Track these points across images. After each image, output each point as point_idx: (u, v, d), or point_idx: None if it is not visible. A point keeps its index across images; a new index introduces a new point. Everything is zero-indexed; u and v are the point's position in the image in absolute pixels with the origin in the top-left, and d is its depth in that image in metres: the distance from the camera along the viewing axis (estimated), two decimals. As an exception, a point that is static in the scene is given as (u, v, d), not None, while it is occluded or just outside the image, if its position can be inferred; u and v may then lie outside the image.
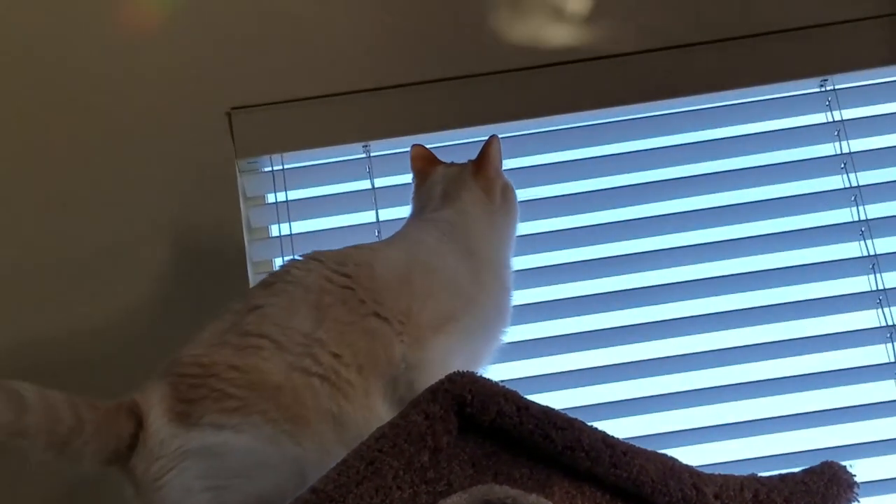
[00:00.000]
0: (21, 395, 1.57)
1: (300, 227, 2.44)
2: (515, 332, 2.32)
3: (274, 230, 2.46)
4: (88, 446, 1.61)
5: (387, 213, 2.43)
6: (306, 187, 2.48)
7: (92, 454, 1.62)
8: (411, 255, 1.89)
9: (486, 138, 2.09)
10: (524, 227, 2.30)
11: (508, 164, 2.17)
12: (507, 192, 2.09)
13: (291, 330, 1.72)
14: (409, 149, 2.33)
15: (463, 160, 2.15)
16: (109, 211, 2.37)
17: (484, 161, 2.07)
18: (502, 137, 2.17)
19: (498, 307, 1.94)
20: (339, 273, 1.80)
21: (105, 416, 1.63)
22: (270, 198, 2.48)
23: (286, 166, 2.45)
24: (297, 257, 1.88)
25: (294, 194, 2.45)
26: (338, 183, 2.49)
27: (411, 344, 1.76)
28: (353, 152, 2.46)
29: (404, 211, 2.35)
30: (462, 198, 2.04)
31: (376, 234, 2.41)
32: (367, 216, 2.44)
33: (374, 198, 2.43)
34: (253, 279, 2.34)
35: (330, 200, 2.48)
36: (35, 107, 2.44)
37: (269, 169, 2.46)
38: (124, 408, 1.64)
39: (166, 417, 1.63)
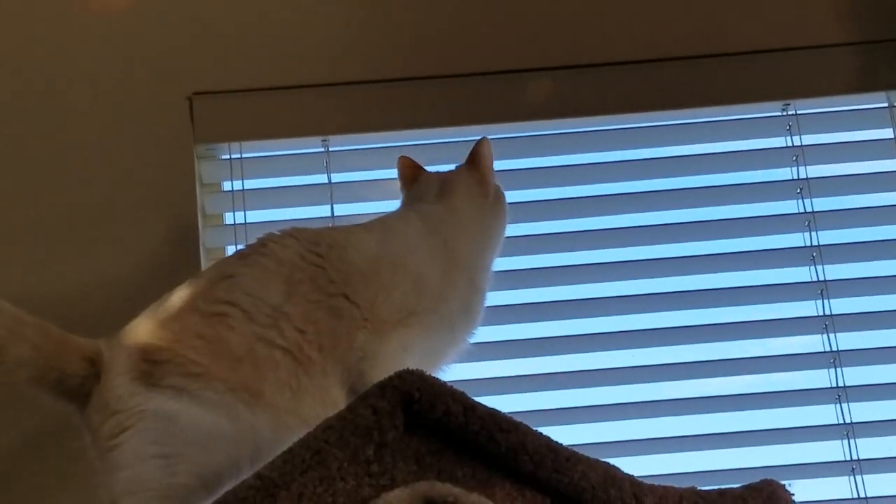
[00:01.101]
0: None
1: (255, 216, 2.43)
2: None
3: (228, 218, 2.45)
4: (22, 368, 1.62)
5: (342, 209, 2.43)
6: (263, 177, 2.47)
7: (27, 377, 1.62)
8: (385, 245, 1.88)
9: (475, 140, 2.10)
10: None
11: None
12: (500, 195, 2.11)
13: (261, 301, 1.71)
14: (367, 146, 2.36)
15: (423, 162, 2.17)
16: (68, 189, 2.36)
17: (477, 157, 2.08)
18: (459, 141, 2.18)
19: (466, 308, 1.94)
20: (313, 252, 1.80)
21: (54, 346, 1.64)
22: (227, 185, 2.46)
23: (244, 155, 2.44)
24: (274, 232, 1.86)
25: (251, 183, 2.44)
26: (295, 175, 2.49)
27: (371, 333, 1.76)
28: (311, 146, 2.46)
29: (360, 207, 2.38)
30: (457, 191, 2.05)
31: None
32: (323, 210, 2.44)
33: (330, 193, 2.43)
34: (205, 265, 2.32)
35: (286, 192, 2.48)
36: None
37: (227, 157, 2.45)
38: (82, 349, 1.65)
39: (129, 375, 1.63)
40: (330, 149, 2.44)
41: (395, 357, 1.74)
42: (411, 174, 2.15)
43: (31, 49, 2.43)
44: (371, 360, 1.74)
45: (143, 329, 1.69)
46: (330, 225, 2.39)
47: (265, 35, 2.44)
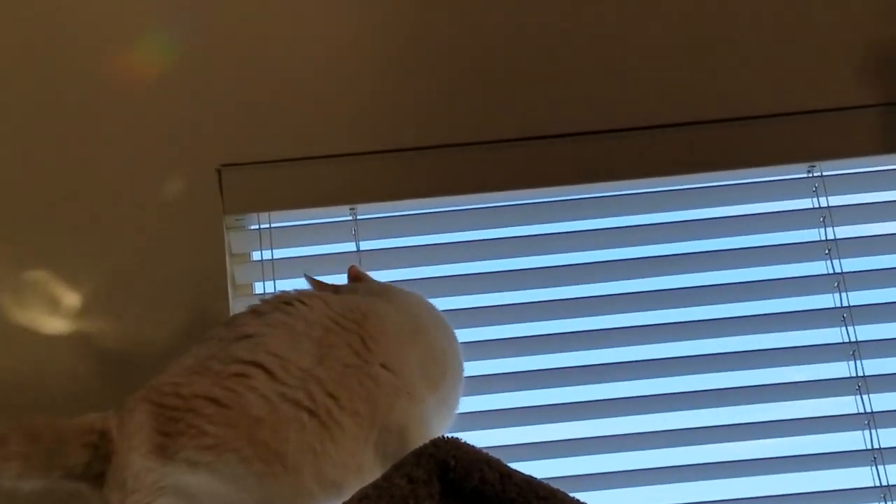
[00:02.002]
0: None
1: (284, 285, 2.42)
2: (499, 400, 2.34)
3: (258, 287, 2.45)
4: (23, 482, 1.60)
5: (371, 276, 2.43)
6: (292, 246, 2.48)
7: (31, 485, 1.60)
8: (414, 317, 1.92)
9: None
10: (505, 297, 2.38)
11: (494, 233, 2.19)
12: None
13: (288, 362, 1.69)
14: (395, 214, 2.38)
15: (451, 228, 2.27)
16: (98, 259, 2.37)
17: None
18: (490, 207, 2.24)
19: (461, 378, 1.99)
20: (348, 318, 1.80)
21: (45, 447, 1.60)
22: (256, 255, 2.47)
23: (273, 225, 2.45)
24: (288, 291, 1.87)
25: (280, 253, 2.45)
26: (323, 244, 2.49)
27: (409, 401, 1.76)
28: (339, 214, 2.47)
29: (388, 275, 2.37)
30: None
31: (360, 296, 2.40)
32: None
33: (358, 260, 2.43)
34: (234, 336, 2.33)
35: (315, 260, 2.47)
36: (23, 154, 2.44)
37: (256, 227, 2.46)
38: (81, 434, 1.61)
39: (143, 448, 1.59)
40: (358, 217, 2.45)
41: (427, 424, 1.75)
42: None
43: (58, 119, 2.45)
44: (408, 427, 1.73)
45: (152, 396, 1.66)
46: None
47: (292, 106, 2.46)
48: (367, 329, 1.80)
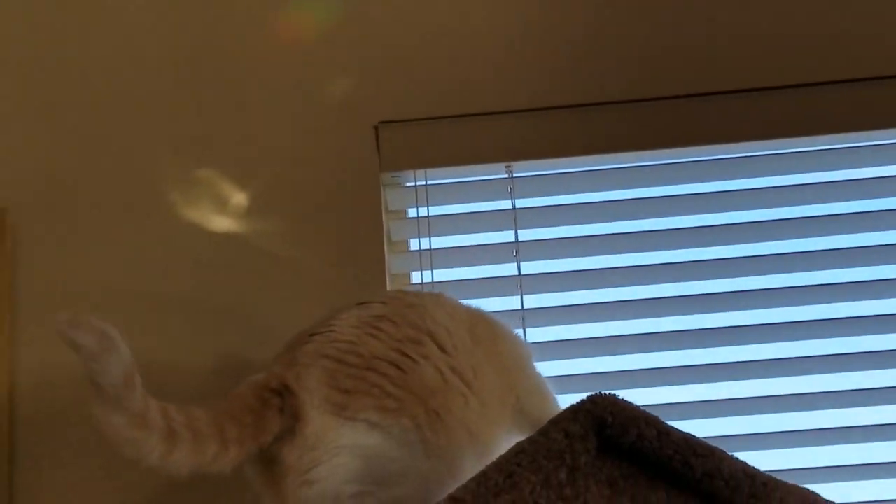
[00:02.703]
0: (173, 430, 1.54)
1: (439, 242, 2.45)
2: (656, 359, 2.33)
3: (413, 244, 2.48)
4: (230, 462, 1.58)
5: (526, 234, 2.44)
6: (447, 204, 2.49)
7: (232, 466, 1.59)
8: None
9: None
10: (663, 256, 2.36)
11: (652, 192, 2.21)
12: None
13: (454, 336, 1.72)
14: (551, 172, 2.39)
15: (605, 187, 2.26)
16: (256, 218, 2.41)
17: None
18: (648, 165, 2.27)
19: None
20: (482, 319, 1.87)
21: (251, 430, 1.58)
22: (412, 212, 2.49)
23: (429, 182, 2.47)
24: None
25: (435, 210, 2.46)
26: (479, 201, 2.50)
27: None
28: (495, 172, 2.47)
29: (544, 233, 2.38)
30: None
31: (514, 253, 2.42)
32: (507, 235, 2.44)
33: (514, 218, 2.44)
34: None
35: (470, 218, 2.49)
36: (182, 109, 2.50)
37: (412, 184, 2.48)
38: (272, 406, 1.59)
39: (322, 407, 1.59)
40: (514, 174, 2.45)
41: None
42: None
43: (218, 80, 2.50)
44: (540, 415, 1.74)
45: (330, 352, 1.66)
46: (514, 253, 2.42)
47: (449, 63, 2.47)
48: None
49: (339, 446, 1.59)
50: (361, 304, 1.78)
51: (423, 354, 1.68)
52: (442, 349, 1.70)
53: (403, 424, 1.61)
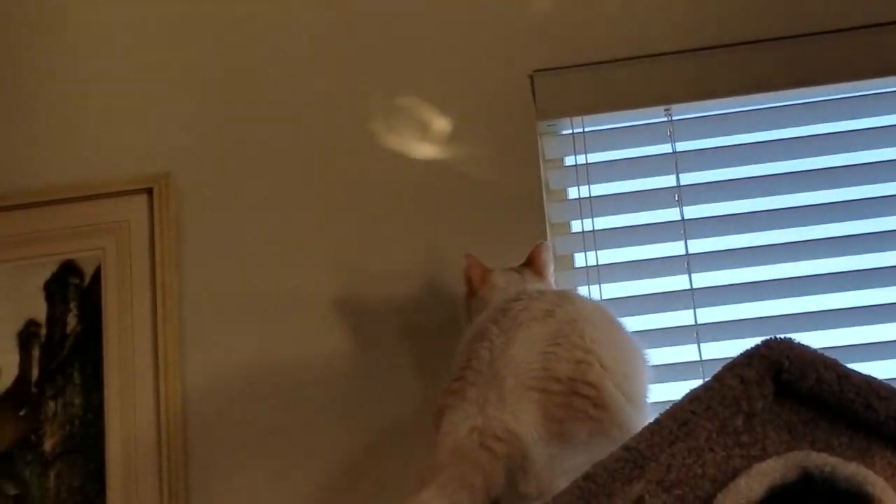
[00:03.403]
0: None
1: (598, 189, 2.43)
2: (826, 301, 2.28)
3: (572, 192, 2.45)
4: None
5: (687, 178, 2.40)
6: (605, 150, 2.46)
7: None
8: None
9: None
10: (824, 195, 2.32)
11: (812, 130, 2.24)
12: None
13: (608, 349, 1.73)
14: (712, 113, 2.36)
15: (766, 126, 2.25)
16: (414, 172, 2.43)
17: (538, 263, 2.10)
18: (808, 103, 2.26)
19: None
20: None
21: (481, 493, 1.58)
22: (569, 160, 2.47)
23: (586, 129, 2.44)
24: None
25: (593, 157, 2.44)
26: (638, 147, 2.46)
27: None
28: (654, 116, 2.43)
29: (705, 176, 2.35)
30: None
31: (675, 198, 2.38)
32: (668, 180, 2.41)
33: (674, 162, 2.40)
34: (550, 240, 2.34)
35: (629, 164, 2.46)
36: (332, 62, 2.52)
37: (569, 131, 2.45)
38: (500, 457, 1.60)
39: (543, 440, 1.61)
40: (673, 117, 2.41)
41: None
42: (481, 275, 2.10)
43: (370, 34, 2.52)
44: None
45: (533, 384, 1.66)
46: (676, 197, 2.38)
47: (603, 8, 2.44)
48: None
49: (563, 471, 1.57)
50: (504, 310, 1.80)
51: (599, 375, 1.68)
52: (603, 367, 1.70)
53: (602, 443, 1.59)
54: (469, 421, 1.65)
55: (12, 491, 2.32)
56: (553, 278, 2.14)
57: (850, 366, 1.42)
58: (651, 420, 1.43)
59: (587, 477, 1.39)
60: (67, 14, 2.62)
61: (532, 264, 2.11)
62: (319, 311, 2.36)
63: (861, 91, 2.38)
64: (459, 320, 2.14)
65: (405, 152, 2.43)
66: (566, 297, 1.85)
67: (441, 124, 2.43)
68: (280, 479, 2.28)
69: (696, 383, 1.45)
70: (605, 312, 1.85)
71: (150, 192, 2.42)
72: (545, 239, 2.30)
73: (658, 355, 2.26)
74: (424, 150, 2.43)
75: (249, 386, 2.33)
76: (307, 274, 2.39)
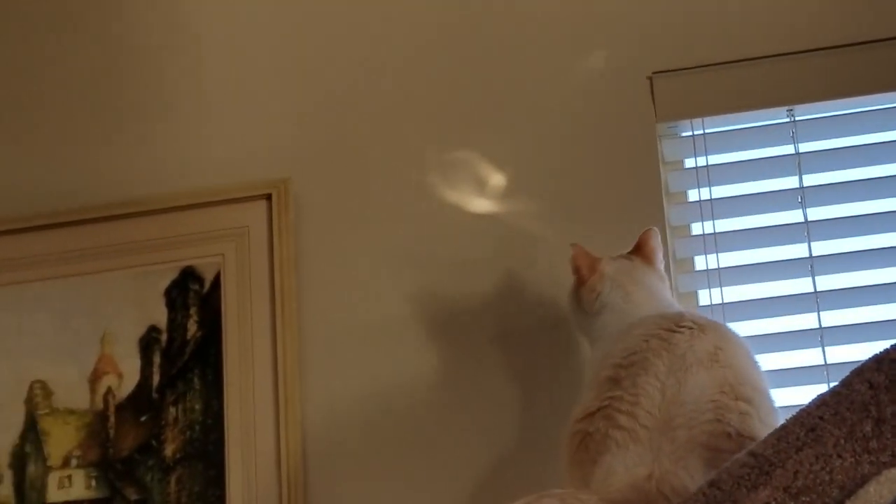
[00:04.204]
0: None
1: (719, 192, 2.40)
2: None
3: (692, 195, 2.42)
4: None
5: (811, 179, 2.36)
6: (726, 152, 2.43)
7: None
8: None
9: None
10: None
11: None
12: None
13: (766, 408, 1.70)
14: (836, 113, 2.33)
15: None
16: (538, 174, 2.42)
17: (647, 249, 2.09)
18: None
19: None
20: None
21: None
22: (689, 162, 2.44)
23: (706, 130, 2.41)
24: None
25: (714, 159, 2.40)
26: (760, 147, 2.42)
27: None
28: (776, 116, 2.39)
29: (829, 177, 2.30)
30: None
31: (799, 200, 2.34)
32: (790, 182, 2.37)
33: (797, 163, 2.35)
34: (671, 244, 2.32)
35: (750, 165, 2.42)
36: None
37: (689, 133, 2.42)
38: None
39: None
40: (796, 118, 2.36)
41: None
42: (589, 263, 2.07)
43: (494, 29, 2.51)
44: None
45: (700, 439, 1.63)
46: (799, 199, 2.34)
47: (723, 7, 2.41)
48: None
49: None
50: (666, 341, 1.76)
51: (758, 428, 1.64)
52: (760, 420, 1.66)
53: None
54: (645, 468, 1.62)
55: (134, 496, 2.34)
56: (662, 265, 2.11)
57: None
58: (777, 426, 1.40)
59: (712, 483, 1.37)
60: (190, 22, 2.66)
61: (641, 251, 2.10)
62: (440, 318, 2.35)
63: None
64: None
65: (524, 157, 2.42)
66: (723, 337, 1.79)
67: (560, 127, 2.41)
68: (409, 483, 2.29)
69: (820, 387, 1.43)
70: (749, 351, 1.81)
71: (268, 198, 2.43)
72: (664, 240, 2.27)
73: (782, 359, 2.24)
74: (543, 153, 2.41)
75: (370, 392, 2.33)
76: (423, 278, 2.38)
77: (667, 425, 1.65)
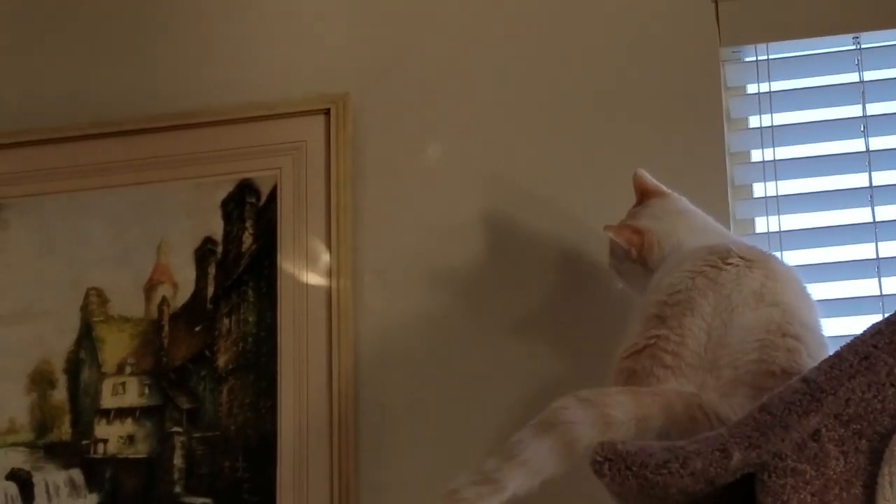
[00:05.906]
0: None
1: (781, 118, 2.36)
2: None
3: (753, 121, 2.39)
4: None
5: (875, 108, 2.32)
6: (790, 78, 2.39)
7: None
8: None
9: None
10: None
11: None
12: None
13: (816, 342, 1.67)
14: None
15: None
16: (588, 102, 2.39)
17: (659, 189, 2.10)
18: None
19: None
20: None
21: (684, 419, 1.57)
22: (751, 88, 2.41)
23: (770, 56, 2.37)
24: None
25: (777, 85, 2.37)
26: (824, 75, 2.38)
27: None
28: (842, 43, 2.36)
29: (893, 106, 2.27)
30: None
31: (861, 129, 2.31)
32: (854, 110, 2.33)
33: (861, 91, 2.32)
34: (730, 171, 2.30)
35: (814, 93, 2.38)
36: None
37: (753, 59, 2.39)
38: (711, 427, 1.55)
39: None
40: (862, 45, 2.33)
41: None
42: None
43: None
44: None
45: (745, 379, 1.62)
46: (861, 128, 2.31)
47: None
48: None
49: None
50: (713, 280, 1.73)
51: (806, 363, 1.61)
52: (809, 355, 1.64)
53: None
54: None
55: (186, 405, 2.37)
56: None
57: None
58: (831, 353, 1.40)
59: (763, 408, 1.37)
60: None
61: (647, 193, 2.09)
62: (499, 240, 2.35)
63: None
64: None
65: (584, 78, 2.40)
66: (771, 272, 1.75)
67: (621, 49, 2.39)
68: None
69: (875, 318, 1.41)
70: (799, 284, 1.78)
71: (327, 112, 2.42)
72: (723, 166, 2.27)
73: (838, 289, 2.22)
74: (605, 74, 2.39)
75: (423, 308, 2.34)
76: (484, 199, 2.38)
77: (712, 364, 1.64)
